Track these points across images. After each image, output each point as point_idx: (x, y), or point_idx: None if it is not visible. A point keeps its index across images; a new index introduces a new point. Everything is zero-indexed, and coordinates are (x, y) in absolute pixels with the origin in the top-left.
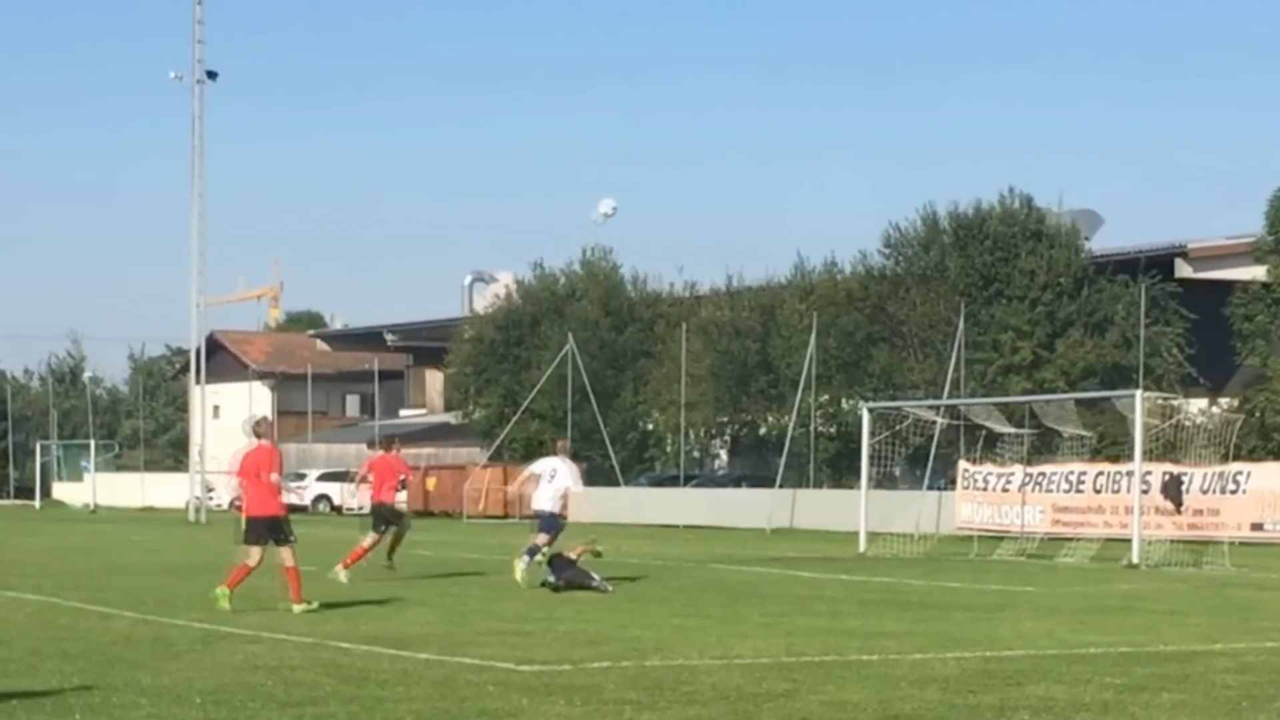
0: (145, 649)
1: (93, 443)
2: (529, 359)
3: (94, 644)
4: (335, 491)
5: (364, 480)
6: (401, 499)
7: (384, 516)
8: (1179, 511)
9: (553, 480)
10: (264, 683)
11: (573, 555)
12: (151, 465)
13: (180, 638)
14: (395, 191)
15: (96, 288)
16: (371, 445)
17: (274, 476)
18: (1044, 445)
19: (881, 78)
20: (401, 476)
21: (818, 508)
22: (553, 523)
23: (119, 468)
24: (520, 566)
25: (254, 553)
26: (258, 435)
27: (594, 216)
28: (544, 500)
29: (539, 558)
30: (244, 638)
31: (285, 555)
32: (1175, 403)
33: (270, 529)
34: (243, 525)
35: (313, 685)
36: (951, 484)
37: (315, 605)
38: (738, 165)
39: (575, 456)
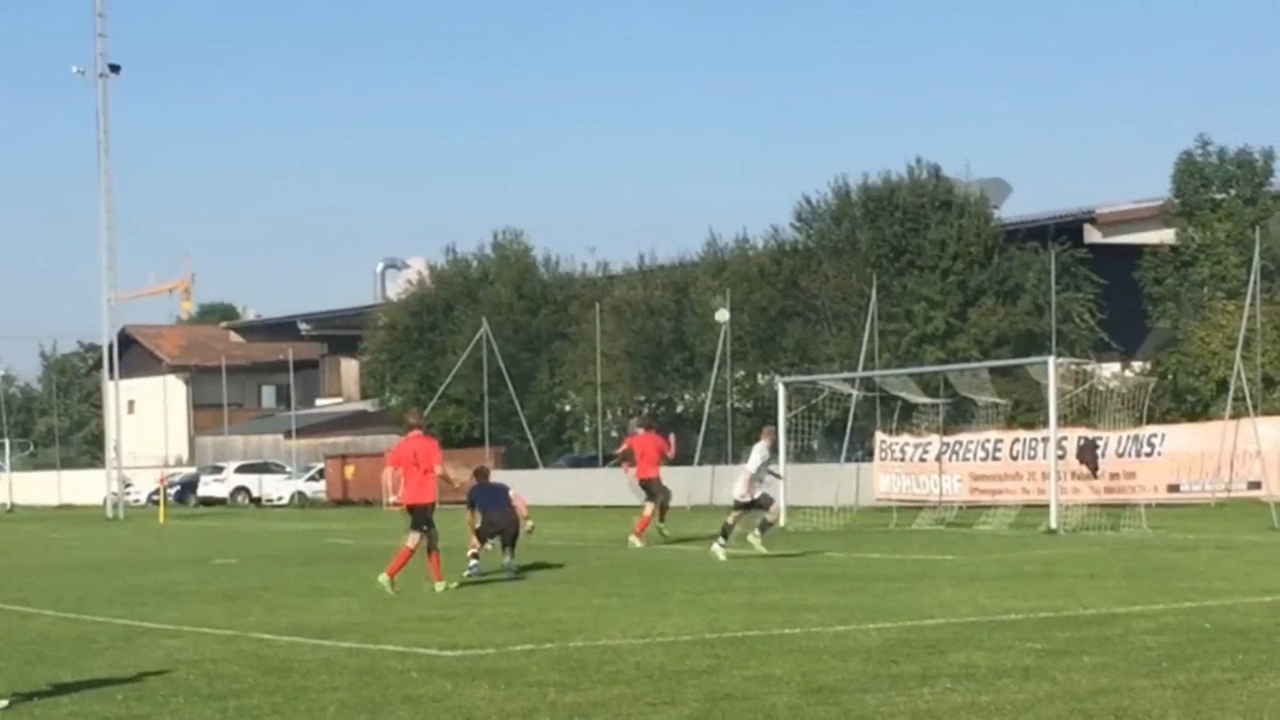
0: (66, 647)
1: (7, 441)
2: (444, 344)
3: (14, 643)
4: (254, 483)
5: (627, 458)
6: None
7: (650, 489)
8: (1095, 476)
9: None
10: (186, 677)
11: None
12: (67, 463)
13: (101, 634)
14: (304, 180)
15: (5, 285)
16: (639, 425)
17: (438, 469)
18: (960, 414)
19: (787, 50)
20: (665, 452)
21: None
22: (746, 502)
23: (35, 466)
24: (719, 551)
25: (413, 537)
26: (411, 426)
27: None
28: (736, 485)
29: (761, 533)
30: (165, 632)
31: (430, 539)
32: (1088, 368)
33: (426, 515)
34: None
35: (235, 677)
36: (869, 456)
37: (454, 584)
38: (647, 143)
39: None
